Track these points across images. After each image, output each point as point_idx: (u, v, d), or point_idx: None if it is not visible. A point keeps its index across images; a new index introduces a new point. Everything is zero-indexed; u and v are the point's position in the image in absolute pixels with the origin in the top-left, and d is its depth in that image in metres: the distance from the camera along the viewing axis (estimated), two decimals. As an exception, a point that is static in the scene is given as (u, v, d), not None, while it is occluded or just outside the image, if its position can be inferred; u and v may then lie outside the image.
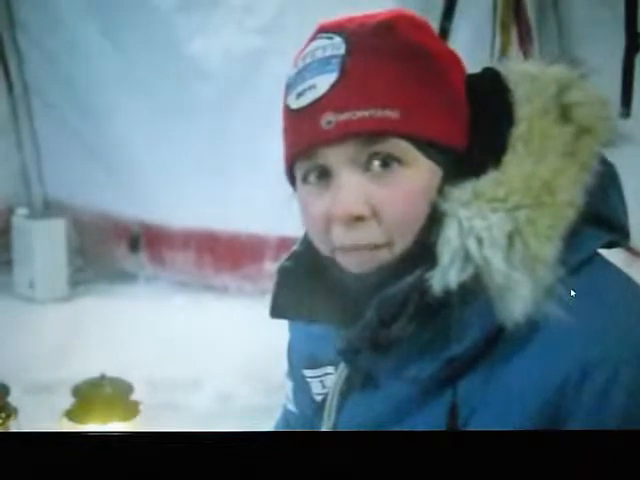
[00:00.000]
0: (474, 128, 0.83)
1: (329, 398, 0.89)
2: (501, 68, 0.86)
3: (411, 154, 0.80)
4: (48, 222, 3.17)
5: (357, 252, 0.81)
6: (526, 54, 2.80)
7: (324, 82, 0.81)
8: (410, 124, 0.80)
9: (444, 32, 2.77)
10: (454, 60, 0.85)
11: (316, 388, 0.93)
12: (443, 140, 0.81)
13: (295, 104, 0.82)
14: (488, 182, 0.80)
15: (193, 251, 3.04)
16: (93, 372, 1.59)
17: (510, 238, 0.78)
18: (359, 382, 0.87)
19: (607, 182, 0.83)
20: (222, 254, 3.00)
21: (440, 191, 0.80)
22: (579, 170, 0.80)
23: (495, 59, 2.69)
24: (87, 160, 3.07)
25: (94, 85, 3.02)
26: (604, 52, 2.63)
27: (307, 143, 0.81)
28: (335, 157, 0.80)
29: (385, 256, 0.81)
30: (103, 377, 1.59)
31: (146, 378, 2.25)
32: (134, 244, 3.17)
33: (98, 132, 3.04)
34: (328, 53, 0.82)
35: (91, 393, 1.60)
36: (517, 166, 0.80)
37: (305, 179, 0.83)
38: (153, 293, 2.90)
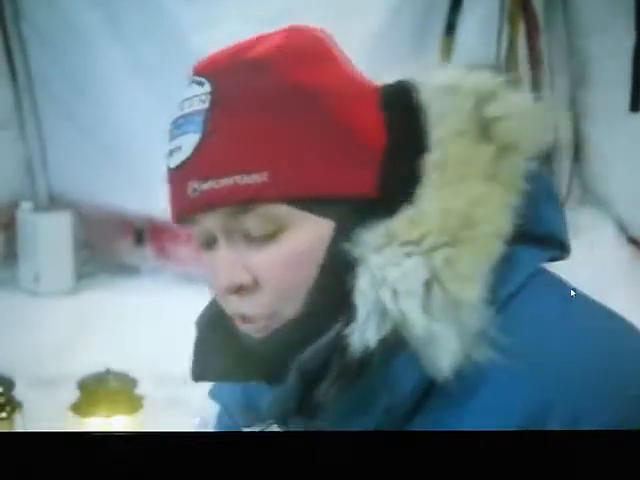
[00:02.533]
0: (387, 157, 0.74)
1: None
2: (415, 80, 0.77)
3: (290, 216, 0.73)
4: (53, 215, 3.16)
5: (246, 322, 0.77)
6: (534, 48, 2.78)
7: (188, 143, 0.74)
8: (282, 187, 0.72)
9: (451, 26, 2.76)
10: (359, 90, 0.75)
11: None
12: (333, 193, 0.73)
13: (168, 162, 0.77)
14: (402, 222, 0.72)
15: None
16: (98, 366, 1.59)
17: (427, 285, 0.70)
18: None
19: (539, 198, 0.76)
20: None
21: (348, 236, 0.73)
22: (503, 193, 0.73)
23: (502, 52, 2.66)
24: (92, 153, 3.06)
25: (99, 77, 3.01)
26: (613, 47, 2.61)
27: (180, 210, 0.76)
28: (212, 224, 0.75)
29: (277, 323, 0.76)
30: (108, 371, 1.59)
31: (150, 372, 2.24)
32: (139, 237, 3.17)
33: (103, 125, 3.04)
34: (194, 107, 0.74)
35: (96, 387, 1.60)
36: (433, 200, 0.72)
37: (196, 242, 0.78)
38: (158, 286, 2.89)
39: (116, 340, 2.54)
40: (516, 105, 0.76)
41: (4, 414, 1.53)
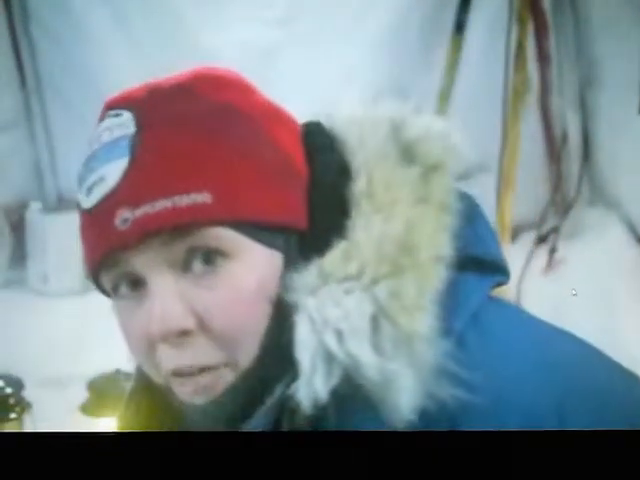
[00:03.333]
0: (311, 191, 0.69)
1: None
2: (322, 119, 0.73)
3: (237, 243, 0.66)
4: (61, 216, 3.16)
5: (192, 378, 0.67)
6: (542, 47, 2.78)
7: (113, 171, 0.66)
8: (225, 208, 0.65)
9: (460, 26, 2.75)
10: (281, 118, 0.72)
11: None
12: (275, 220, 0.67)
13: (86, 202, 0.68)
14: (335, 258, 0.66)
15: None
16: (107, 366, 1.59)
17: (374, 322, 0.64)
18: None
19: (472, 218, 0.72)
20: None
21: (282, 280, 0.66)
22: (437, 215, 0.68)
23: (511, 51, 2.66)
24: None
25: (108, 78, 3.01)
26: (622, 47, 2.61)
27: (105, 249, 0.67)
28: (143, 261, 0.66)
29: (229, 376, 0.67)
30: (117, 371, 1.59)
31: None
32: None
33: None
34: (115, 134, 0.68)
35: (105, 387, 1.60)
36: (364, 230, 0.67)
37: (116, 291, 0.69)
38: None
39: (124, 341, 2.54)
40: (431, 126, 0.73)
41: (14, 414, 1.53)
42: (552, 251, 2.75)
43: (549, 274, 2.67)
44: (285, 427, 0.65)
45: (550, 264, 2.71)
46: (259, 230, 0.67)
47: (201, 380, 0.67)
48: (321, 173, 0.70)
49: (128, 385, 0.76)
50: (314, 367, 0.64)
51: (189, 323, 0.65)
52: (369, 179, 0.68)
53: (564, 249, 2.76)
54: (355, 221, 0.68)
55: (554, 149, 2.89)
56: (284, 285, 0.66)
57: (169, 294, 0.66)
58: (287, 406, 0.64)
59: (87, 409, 1.57)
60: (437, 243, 0.67)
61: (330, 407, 0.64)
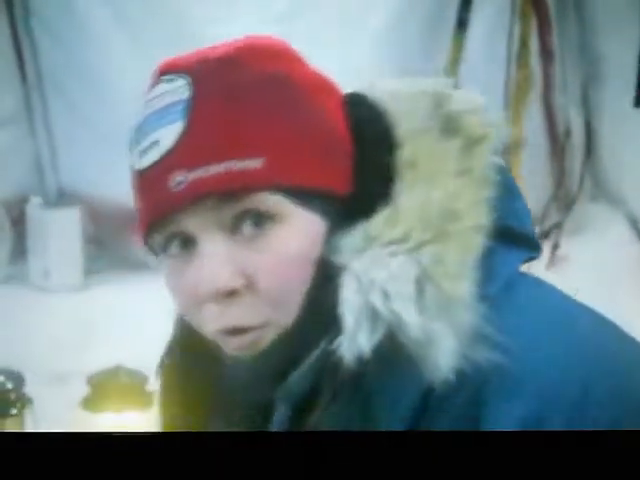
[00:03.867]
0: (356, 159, 0.71)
1: None
2: (367, 92, 0.75)
3: (285, 208, 0.69)
4: (62, 211, 3.16)
5: (237, 334, 0.70)
6: (545, 44, 2.77)
7: (168, 135, 0.68)
8: (276, 174, 0.68)
9: (462, 23, 2.75)
10: (327, 87, 0.74)
11: None
12: (322, 187, 0.70)
13: (139, 164, 0.71)
14: (380, 222, 0.69)
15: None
16: (107, 362, 1.59)
17: (419, 285, 0.67)
18: None
19: (509, 191, 0.74)
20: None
21: (329, 243, 0.69)
22: (478, 187, 0.71)
23: (513, 48, 2.66)
24: (102, 148, 3.06)
25: (109, 73, 3.01)
26: (625, 44, 2.60)
27: (158, 209, 0.69)
28: (195, 222, 0.68)
29: (272, 335, 0.70)
30: (118, 367, 1.59)
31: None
32: (148, 234, 3.17)
33: (113, 121, 3.04)
34: (170, 100, 0.70)
35: (106, 383, 1.59)
36: (409, 196, 0.69)
37: (166, 250, 0.71)
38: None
39: (125, 336, 2.54)
40: (472, 101, 0.75)
41: (14, 410, 1.52)
42: (554, 247, 2.75)
43: (551, 270, 2.66)
44: (326, 383, 0.67)
45: (552, 260, 2.71)
46: (306, 196, 0.69)
47: (246, 337, 0.69)
48: (365, 143, 0.72)
49: (170, 341, 0.79)
50: (358, 324, 0.66)
51: (237, 283, 0.68)
52: (413, 149, 0.71)
53: (566, 245, 2.76)
54: (399, 189, 0.70)
55: (557, 145, 2.89)
56: (330, 247, 0.69)
57: (218, 255, 0.68)
58: (329, 361, 0.67)
59: (88, 404, 1.56)
60: (478, 212, 0.70)
61: (372, 363, 0.66)
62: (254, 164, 0.67)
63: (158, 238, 0.72)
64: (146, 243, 0.74)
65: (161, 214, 0.70)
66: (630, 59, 2.59)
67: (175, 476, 0.64)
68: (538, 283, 0.76)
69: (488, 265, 0.70)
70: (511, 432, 0.68)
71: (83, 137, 3.10)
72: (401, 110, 0.73)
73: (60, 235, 3.12)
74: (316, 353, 0.68)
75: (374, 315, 0.67)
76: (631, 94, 2.58)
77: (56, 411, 1.95)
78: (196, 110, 0.68)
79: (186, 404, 0.75)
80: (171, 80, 0.71)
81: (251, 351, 0.70)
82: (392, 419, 0.69)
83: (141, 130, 0.72)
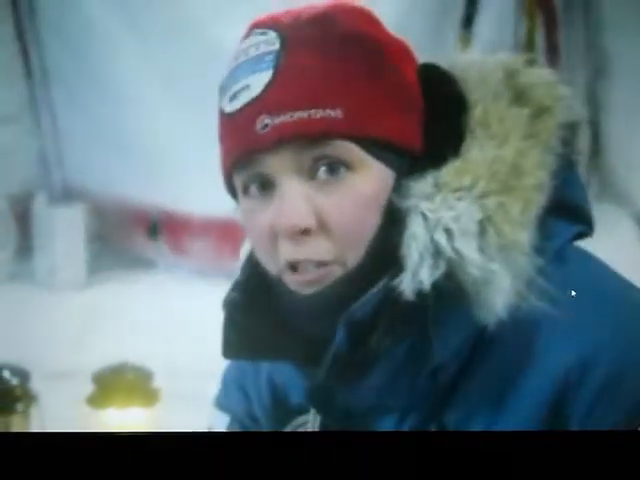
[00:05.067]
0: (429, 119, 0.77)
1: None
2: (442, 62, 0.81)
3: (359, 157, 0.74)
4: (67, 208, 3.17)
5: (305, 269, 0.75)
6: (552, 42, 2.76)
7: (258, 82, 0.74)
8: (354, 124, 0.74)
9: (468, 19, 2.75)
10: (405, 51, 0.80)
11: None
12: (394, 140, 0.76)
13: (229, 107, 0.76)
14: (450, 171, 0.75)
15: (213, 239, 3.03)
16: (112, 359, 1.59)
17: (482, 226, 0.73)
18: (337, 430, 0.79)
19: (571, 167, 0.80)
20: (242, 242, 2.99)
21: (398, 188, 0.75)
22: (543, 152, 0.77)
23: (519, 46, 2.65)
24: (107, 146, 3.07)
25: (114, 70, 3.01)
26: (632, 41, 2.60)
27: (243, 149, 0.75)
28: (276, 164, 0.74)
29: (337, 272, 0.75)
30: (124, 364, 1.59)
31: (164, 366, 2.24)
32: (153, 231, 3.17)
33: (118, 117, 3.04)
34: (262, 50, 0.75)
35: (112, 380, 1.59)
36: (479, 152, 0.75)
37: (246, 191, 0.77)
38: (172, 280, 2.89)
39: (130, 334, 2.54)
40: (542, 75, 0.81)
41: (20, 406, 1.53)
42: (560, 246, 2.74)
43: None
44: (385, 316, 0.73)
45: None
46: (379, 148, 0.75)
47: (312, 273, 0.75)
48: (438, 104, 0.77)
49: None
50: (422, 259, 0.72)
51: (311, 222, 0.74)
52: (485, 112, 0.77)
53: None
54: (469, 145, 0.76)
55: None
56: (400, 192, 0.75)
57: (296, 196, 0.74)
58: (389, 296, 0.72)
59: (93, 401, 1.56)
60: (540, 174, 0.75)
61: (430, 297, 0.71)
62: (334, 114, 0.73)
63: (239, 179, 0.77)
64: (228, 184, 0.80)
65: (246, 154, 0.75)
66: (637, 56, 2.58)
67: (175, 476, 0.65)
68: (588, 257, 0.81)
69: (545, 227, 0.75)
70: (513, 432, 0.71)
71: (88, 134, 3.10)
72: (477, 77, 0.79)
73: (65, 232, 3.12)
74: (378, 287, 0.73)
75: (437, 252, 0.72)
76: (638, 92, 2.57)
77: (61, 407, 1.95)
78: (284, 61, 0.74)
79: (247, 335, 0.80)
80: (264, 33, 0.76)
81: (313, 288, 0.75)
82: (445, 353, 0.73)
83: (233, 76, 0.77)
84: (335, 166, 0.74)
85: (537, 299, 0.71)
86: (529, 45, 2.72)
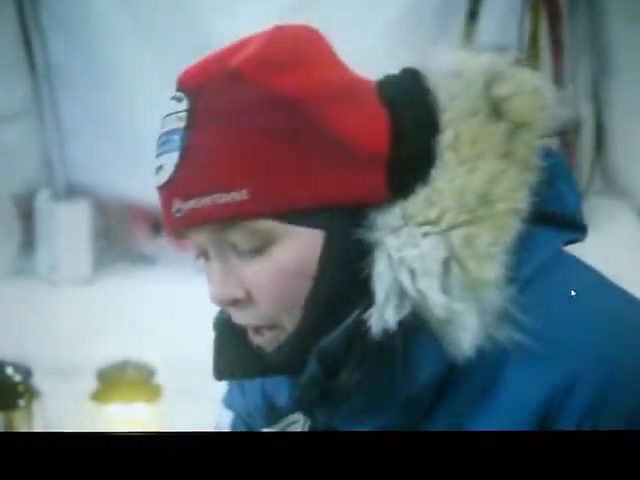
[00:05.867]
0: (397, 141, 0.73)
1: None
2: (420, 67, 0.77)
3: (278, 230, 0.72)
4: (71, 204, 3.17)
5: (256, 332, 0.77)
6: (556, 35, 2.76)
7: (169, 163, 0.73)
8: (262, 203, 0.71)
9: (473, 14, 2.74)
10: (347, 92, 0.73)
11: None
12: (323, 202, 0.72)
13: (155, 181, 0.75)
14: (418, 202, 0.72)
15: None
16: (115, 355, 1.59)
17: (446, 265, 0.70)
18: (324, 429, 0.80)
19: (555, 176, 0.76)
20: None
21: (363, 222, 0.72)
22: (519, 171, 0.73)
23: (524, 39, 2.64)
24: (110, 142, 3.07)
25: (118, 66, 3.01)
26: (635, 36, 2.59)
27: (169, 228, 0.76)
28: (200, 241, 0.75)
29: (281, 335, 0.76)
30: (126, 361, 1.59)
31: (167, 361, 2.25)
32: (156, 226, 3.17)
33: (122, 114, 3.04)
34: (172, 125, 0.74)
35: (114, 376, 1.60)
36: (448, 180, 0.72)
37: (193, 250, 0.78)
38: (175, 276, 2.89)
39: (133, 329, 2.54)
40: (525, 83, 0.76)
41: (22, 402, 1.53)
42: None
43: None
44: (354, 351, 0.72)
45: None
46: (300, 216, 0.72)
47: (263, 335, 0.77)
48: (407, 128, 0.73)
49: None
50: (387, 299, 0.71)
51: (238, 293, 0.75)
52: (456, 134, 0.73)
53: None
54: (439, 171, 0.72)
55: (567, 138, 2.88)
56: (367, 224, 0.72)
57: (222, 269, 0.75)
58: (358, 331, 0.72)
59: (97, 397, 1.57)
60: (516, 197, 0.72)
61: (397, 337, 0.70)
62: (239, 196, 0.71)
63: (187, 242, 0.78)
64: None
65: (172, 232, 0.76)
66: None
67: (175, 476, 0.65)
68: (577, 265, 0.78)
69: (526, 247, 0.72)
70: (513, 432, 0.69)
71: (92, 131, 3.10)
72: (450, 93, 0.74)
73: (69, 229, 3.12)
74: (349, 321, 0.72)
75: (402, 292, 0.71)
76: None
77: (64, 404, 1.95)
78: (189, 141, 0.72)
79: (233, 354, 0.81)
80: (179, 99, 0.74)
81: (273, 344, 0.77)
82: (414, 389, 0.73)
83: (157, 148, 0.76)
84: (253, 241, 0.73)
85: (510, 331, 0.69)
86: (533, 39, 2.71)
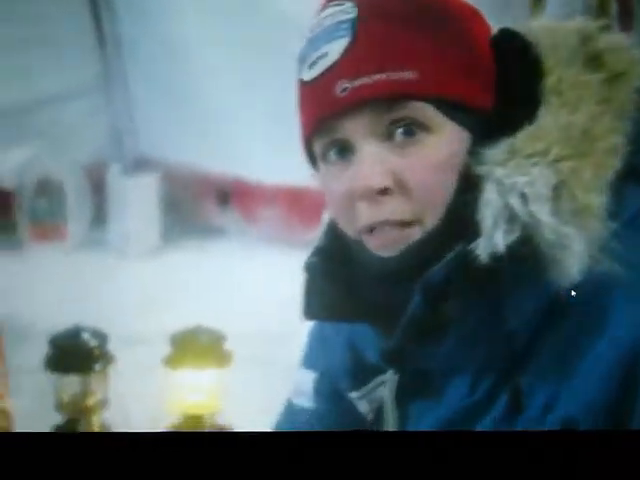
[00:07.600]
0: (503, 86, 0.78)
1: (386, 414, 0.84)
2: (517, 28, 0.81)
3: (435, 118, 0.76)
4: (141, 178, 3.23)
5: (384, 231, 0.77)
6: (625, 6, 2.70)
7: (336, 48, 0.77)
8: (430, 85, 0.76)
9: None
10: (476, 17, 0.81)
11: (363, 407, 0.86)
12: (468, 101, 0.77)
13: (308, 75, 0.78)
14: (524, 138, 0.75)
15: (282, 207, 3.06)
16: (187, 321, 1.63)
17: (556, 191, 0.73)
18: (414, 389, 0.82)
19: None
20: (310, 210, 3.02)
21: (473, 155, 0.76)
22: (616, 117, 0.77)
23: (592, 11, 2.59)
24: (180, 116, 3.11)
25: (187, 42, 3.04)
26: None
27: (323, 114, 0.77)
28: (354, 128, 0.77)
29: (416, 234, 0.76)
30: (199, 326, 1.63)
31: (235, 330, 2.29)
32: (223, 199, 3.21)
33: (190, 89, 3.08)
34: (338, 18, 0.78)
35: (188, 340, 1.64)
36: (553, 118, 0.76)
37: (325, 157, 0.79)
38: (243, 247, 2.93)
39: (202, 299, 2.59)
40: (618, 40, 0.81)
41: (98, 366, 1.58)
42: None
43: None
44: (459, 282, 0.74)
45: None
46: (453, 109, 0.76)
47: (391, 234, 0.76)
48: (514, 69, 0.79)
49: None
50: (496, 224, 0.73)
51: (388, 182, 0.75)
52: (559, 79, 0.78)
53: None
54: (543, 111, 0.77)
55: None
56: (475, 159, 0.76)
57: (374, 157, 0.76)
58: (465, 262, 0.73)
59: (170, 362, 1.61)
60: (614, 139, 0.76)
61: (505, 261, 0.72)
62: (410, 75, 0.75)
63: (318, 146, 0.79)
64: (307, 152, 0.82)
65: (325, 119, 0.77)
66: None
67: (175, 476, 0.66)
68: None
69: (621, 192, 0.75)
70: (513, 432, 0.71)
71: (161, 105, 3.15)
72: (548, 45, 0.79)
73: (139, 201, 3.19)
74: (454, 252, 0.74)
75: (512, 216, 0.73)
76: None
77: (137, 369, 2.01)
78: (361, 28, 0.76)
79: (326, 298, 0.82)
80: (339, 4, 0.79)
81: (392, 250, 0.77)
82: (518, 319, 0.75)
83: (310, 45, 0.79)
84: (411, 128, 0.76)
85: (611, 263, 0.72)
86: (602, 9, 2.67)
